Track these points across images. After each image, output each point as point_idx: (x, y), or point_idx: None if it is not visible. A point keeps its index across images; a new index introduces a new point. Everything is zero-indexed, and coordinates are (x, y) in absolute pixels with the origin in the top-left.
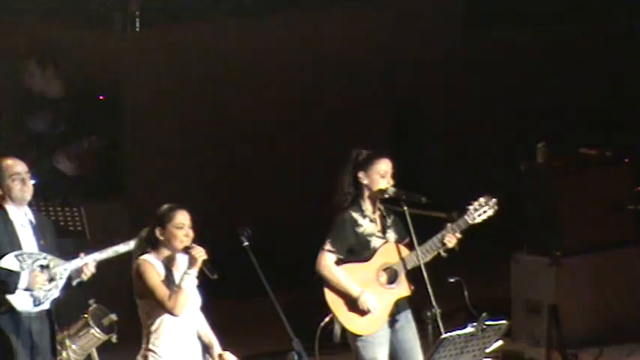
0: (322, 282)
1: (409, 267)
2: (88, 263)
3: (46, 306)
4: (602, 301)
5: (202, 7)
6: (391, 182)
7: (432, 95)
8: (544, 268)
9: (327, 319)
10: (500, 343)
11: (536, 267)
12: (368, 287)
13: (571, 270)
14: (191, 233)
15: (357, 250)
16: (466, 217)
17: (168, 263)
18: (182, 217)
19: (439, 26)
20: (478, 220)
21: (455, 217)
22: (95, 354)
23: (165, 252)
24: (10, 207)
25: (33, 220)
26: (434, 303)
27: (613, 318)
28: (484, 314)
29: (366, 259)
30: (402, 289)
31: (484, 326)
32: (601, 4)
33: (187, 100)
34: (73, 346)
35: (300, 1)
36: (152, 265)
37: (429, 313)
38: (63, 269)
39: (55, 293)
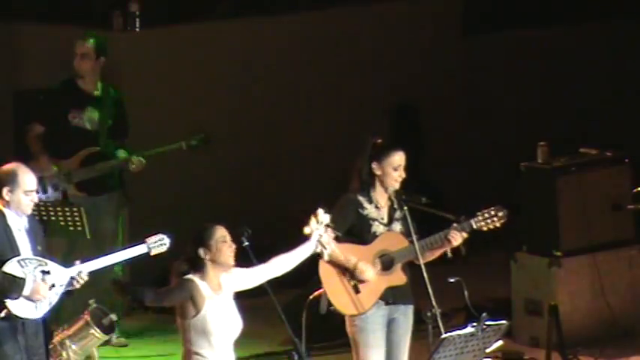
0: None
1: (408, 258)
2: (82, 272)
3: (45, 311)
4: (602, 301)
5: (203, 7)
6: (403, 175)
7: (432, 96)
8: (544, 268)
9: (316, 292)
10: (500, 343)
11: (536, 267)
12: None
13: (571, 270)
14: (234, 245)
15: (357, 232)
16: (472, 220)
17: (212, 283)
18: (222, 231)
19: (438, 27)
20: (484, 227)
21: (462, 220)
22: (95, 354)
23: (210, 272)
24: (8, 212)
25: (27, 224)
26: (434, 303)
27: (613, 318)
28: (484, 314)
29: (365, 243)
30: (396, 277)
31: (484, 326)
32: (599, 4)
33: (187, 101)
34: (73, 346)
35: (300, 2)
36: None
37: (429, 313)
38: (63, 276)
39: (55, 299)
